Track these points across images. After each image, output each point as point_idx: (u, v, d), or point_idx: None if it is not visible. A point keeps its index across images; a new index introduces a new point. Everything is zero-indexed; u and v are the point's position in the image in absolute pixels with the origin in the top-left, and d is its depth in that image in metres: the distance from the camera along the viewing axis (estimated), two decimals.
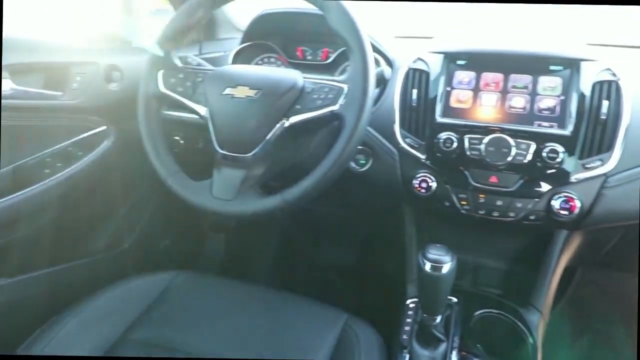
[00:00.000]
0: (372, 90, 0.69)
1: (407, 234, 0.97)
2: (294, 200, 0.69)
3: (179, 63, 0.81)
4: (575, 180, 0.76)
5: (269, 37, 1.09)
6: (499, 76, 0.82)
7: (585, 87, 0.77)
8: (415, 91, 0.85)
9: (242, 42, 1.09)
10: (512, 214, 0.79)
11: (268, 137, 0.71)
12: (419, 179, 0.83)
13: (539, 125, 0.79)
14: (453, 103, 0.84)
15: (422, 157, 0.84)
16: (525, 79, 0.81)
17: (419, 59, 0.87)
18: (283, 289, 0.85)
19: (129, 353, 0.71)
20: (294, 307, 0.81)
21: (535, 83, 0.80)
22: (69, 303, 0.78)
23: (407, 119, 0.85)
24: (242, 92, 0.72)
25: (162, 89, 0.79)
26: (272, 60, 1.10)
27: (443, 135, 0.80)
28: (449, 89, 0.84)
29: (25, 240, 0.91)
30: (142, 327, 0.75)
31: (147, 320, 0.77)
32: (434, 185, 0.82)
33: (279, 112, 0.71)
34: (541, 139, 0.76)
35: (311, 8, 0.75)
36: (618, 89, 0.76)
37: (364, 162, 0.89)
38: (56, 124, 0.92)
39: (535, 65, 0.81)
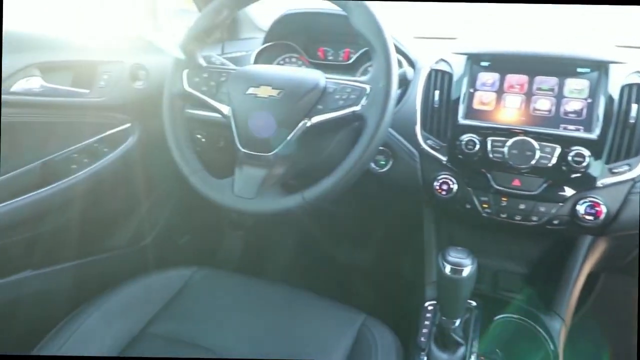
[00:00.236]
0: (395, 92, 0.69)
1: (426, 235, 0.96)
2: (315, 200, 0.70)
3: (203, 63, 0.83)
4: (601, 185, 0.75)
5: (291, 37, 1.09)
6: (524, 78, 0.81)
7: (614, 90, 0.75)
8: (437, 92, 0.84)
9: (264, 42, 1.10)
10: (535, 218, 0.78)
11: (290, 136, 0.72)
12: (440, 181, 0.83)
13: (565, 129, 0.77)
14: (476, 105, 0.83)
15: (444, 159, 0.83)
16: (551, 81, 0.80)
17: (442, 59, 0.87)
18: (300, 287, 0.85)
19: (149, 346, 0.72)
20: (312, 306, 0.81)
21: (561, 85, 0.79)
22: (92, 296, 0.79)
23: (428, 121, 0.85)
24: (265, 91, 0.73)
25: (187, 88, 0.80)
26: (294, 60, 1.11)
27: (465, 137, 0.79)
28: (472, 90, 0.83)
29: (51, 234, 0.94)
30: (162, 321, 0.76)
31: (167, 314, 0.78)
32: (455, 187, 0.82)
33: (300, 112, 0.71)
34: (567, 142, 0.75)
35: (333, 8, 0.75)
36: None
37: (384, 163, 0.89)
38: (83, 121, 0.95)
39: (562, 67, 0.80)
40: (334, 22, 1.05)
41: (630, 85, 0.75)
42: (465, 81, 0.83)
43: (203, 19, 0.81)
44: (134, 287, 0.82)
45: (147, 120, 1.03)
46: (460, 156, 0.81)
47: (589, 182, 0.75)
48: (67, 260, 1.00)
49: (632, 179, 0.74)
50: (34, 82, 0.84)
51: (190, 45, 0.81)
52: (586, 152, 0.73)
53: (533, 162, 0.75)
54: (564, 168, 0.75)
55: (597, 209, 0.74)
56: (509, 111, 0.81)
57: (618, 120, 0.74)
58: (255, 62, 1.08)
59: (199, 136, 1.04)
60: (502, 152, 0.77)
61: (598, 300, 1.07)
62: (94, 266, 1.06)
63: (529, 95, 0.81)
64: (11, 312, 0.90)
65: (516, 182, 0.78)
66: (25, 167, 0.87)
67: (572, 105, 0.78)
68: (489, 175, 0.80)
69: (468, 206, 0.82)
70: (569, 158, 0.74)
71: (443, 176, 0.83)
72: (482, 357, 0.77)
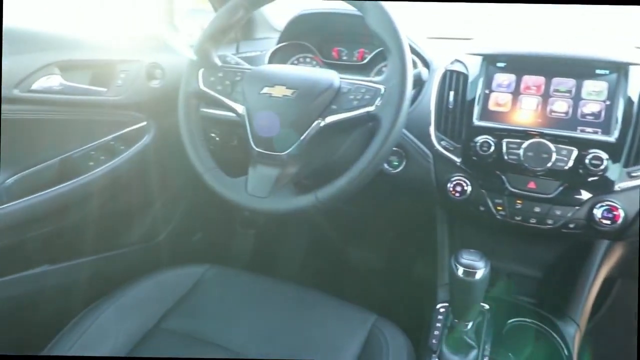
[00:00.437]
0: (410, 92, 0.68)
1: (439, 237, 0.96)
2: (328, 200, 0.70)
3: (218, 62, 0.83)
4: (619, 189, 0.73)
5: (305, 37, 1.10)
6: (541, 79, 0.80)
7: (633, 92, 0.74)
8: (452, 93, 0.84)
9: (279, 42, 1.11)
10: (550, 222, 0.77)
11: (303, 136, 0.72)
12: (454, 183, 0.82)
13: (582, 131, 0.76)
14: (491, 106, 0.82)
15: (458, 160, 0.82)
16: (568, 82, 0.79)
17: (457, 60, 0.86)
18: (311, 287, 0.86)
19: (162, 341, 0.73)
20: (323, 306, 0.81)
21: (579, 87, 0.78)
22: (107, 290, 0.80)
23: (442, 122, 0.84)
24: (280, 91, 0.73)
25: (202, 87, 0.80)
26: (308, 60, 1.11)
27: (480, 138, 0.79)
28: (487, 91, 0.83)
29: (68, 229, 0.96)
30: (175, 317, 0.77)
31: (180, 310, 0.79)
32: (468, 189, 0.81)
33: (315, 111, 0.72)
34: (584, 145, 0.74)
35: (348, 9, 0.75)
36: None
37: (397, 163, 0.88)
38: (100, 118, 0.96)
39: (581, 68, 0.78)
40: (348, 22, 1.05)
41: None
42: (480, 82, 0.83)
43: (218, 19, 0.81)
44: (148, 283, 0.83)
45: (162, 118, 1.04)
46: (474, 158, 0.80)
47: (607, 186, 0.74)
48: (84, 256, 1.02)
49: None
50: (53, 81, 0.86)
51: (206, 45, 0.82)
52: (604, 155, 0.72)
53: (549, 164, 0.75)
54: (580, 171, 0.74)
55: (614, 213, 0.73)
56: (525, 113, 0.80)
57: (637, 122, 0.73)
58: (270, 61, 1.08)
59: (213, 135, 1.05)
60: (518, 154, 0.76)
61: (614, 306, 1.05)
62: (108, 262, 1.08)
63: (545, 96, 0.80)
64: (30, 304, 0.92)
65: (531, 185, 0.77)
66: (45, 164, 0.89)
67: (590, 107, 0.77)
68: (503, 177, 0.79)
69: (482, 208, 0.81)
70: (586, 161, 0.73)
71: (457, 178, 0.82)
72: None
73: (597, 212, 0.74)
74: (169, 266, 0.88)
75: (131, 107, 1.00)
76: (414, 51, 0.91)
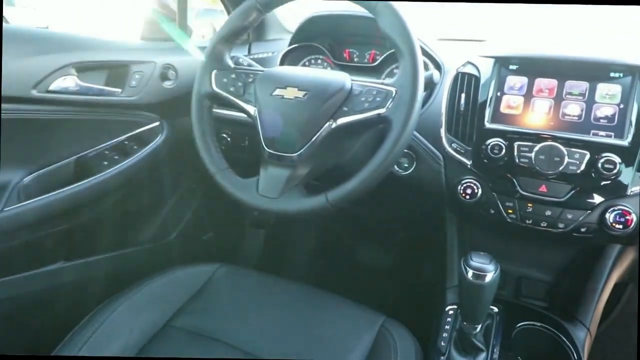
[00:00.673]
0: (421, 95, 0.68)
1: (448, 239, 0.95)
2: (338, 201, 0.70)
3: (231, 64, 0.84)
4: (632, 193, 0.73)
5: (317, 38, 1.10)
6: (553, 82, 0.80)
7: None
8: (463, 95, 0.83)
9: (291, 44, 1.11)
10: (561, 225, 0.77)
11: (314, 138, 0.72)
12: (464, 185, 0.82)
13: (595, 135, 0.76)
14: (503, 109, 0.82)
15: (468, 162, 0.82)
16: (582, 85, 0.78)
17: (469, 62, 0.86)
18: (320, 287, 0.86)
19: (173, 339, 0.74)
20: (332, 306, 0.82)
21: (592, 90, 0.77)
22: (120, 287, 0.82)
23: (454, 124, 0.84)
24: (291, 93, 0.74)
25: (215, 88, 0.81)
26: (319, 61, 1.12)
27: (491, 141, 0.78)
28: (499, 94, 0.82)
29: (82, 227, 0.97)
30: (186, 315, 0.78)
31: (191, 309, 0.80)
32: (479, 192, 0.81)
33: (326, 113, 0.72)
34: (597, 148, 0.73)
35: (360, 11, 0.75)
36: None
37: (407, 165, 0.88)
38: (114, 119, 0.98)
39: (594, 71, 0.78)
40: (360, 24, 1.05)
41: None
42: (492, 84, 0.82)
43: (232, 22, 0.82)
44: (159, 281, 0.84)
45: (175, 119, 1.06)
46: (485, 160, 0.80)
47: (619, 190, 0.73)
48: (96, 254, 1.04)
49: None
50: (70, 81, 0.87)
51: (219, 47, 0.83)
52: (617, 159, 0.71)
53: (561, 168, 0.74)
54: (593, 175, 0.73)
55: (627, 217, 0.72)
56: (537, 116, 0.80)
57: None
58: (282, 63, 1.09)
59: (224, 135, 1.07)
60: (529, 158, 0.76)
61: (625, 311, 1.04)
62: (121, 260, 1.10)
63: (558, 99, 0.79)
64: (44, 301, 0.94)
65: (543, 188, 0.77)
66: (60, 163, 0.91)
67: (604, 110, 0.76)
68: (514, 181, 0.79)
69: (492, 211, 0.81)
70: (599, 165, 0.72)
71: (467, 180, 0.82)
72: None
73: (609, 217, 0.73)
74: (180, 265, 0.89)
75: (145, 107, 1.01)
76: (425, 53, 0.91)
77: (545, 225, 0.78)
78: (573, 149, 0.74)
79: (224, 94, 0.81)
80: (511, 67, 0.83)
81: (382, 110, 0.69)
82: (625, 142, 0.73)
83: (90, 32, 0.98)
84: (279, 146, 0.74)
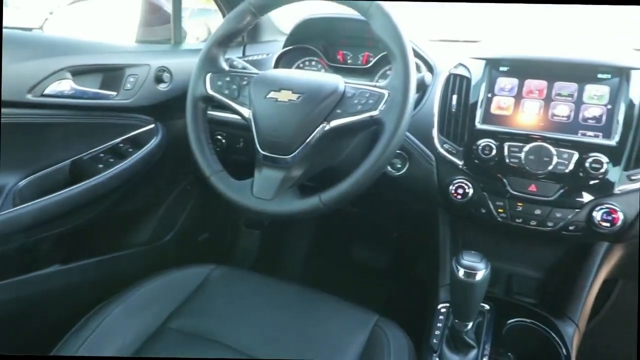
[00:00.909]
0: (413, 97, 0.69)
1: (441, 239, 0.97)
2: (332, 202, 0.71)
3: (225, 66, 0.85)
4: (619, 192, 0.74)
5: (311, 40, 1.11)
6: (543, 83, 0.81)
7: (635, 96, 0.75)
8: (455, 97, 0.84)
9: (285, 46, 1.12)
10: (550, 224, 0.78)
11: (308, 140, 0.73)
12: (456, 185, 0.83)
13: (583, 135, 0.77)
14: (494, 110, 0.83)
15: (460, 163, 0.83)
16: (570, 87, 0.79)
17: (460, 64, 0.87)
18: (314, 287, 0.87)
19: (169, 341, 0.74)
20: (326, 306, 0.82)
21: (581, 91, 0.79)
22: (115, 290, 0.82)
23: (445, 125, 0.85)
24: (285, 96, 0.75)
25: (209, 91, 0.82)
26: (313, 63, 1.12)
27: (482, 142, 0.80)
28: (490, 95, 0.84)
29: (78, 230, 0.97)
30: (181, 316, 0.79)
31: (186, 310, 0.80)
32: (470, 191, 0.82)
33: (319, 115, 0.73)
34: (585, 148, 0.75)
35: (354, 14, 0.76)
36: None
37: (400, 166, 0.90)
38: (109, 122, 0.98)
39: (583, 73, 0.79)
40: (353, 26, 1.06)
41: None
42: (483, 86, 0.84)
43: (226, 25, 0.83)
44: (155, 283, 0.85)
45: (170, 121, 1.06)
46: (476, 161, 0.81)
47: (607, 189, 0.74)
48: (92, 256, 1.04)
49: None
50: (65, 85, 0.88)
51: (214, 50, 0.83)
52: (604, 159, 0.73)
53: (550, 167, 0.75)
54: (581, 174, 0.75)
55: (614, 215, 0.74)
56: (527, 116, 0.81)
57: (638, 126, 0.74)
58: (276, 65, 1.09)
59: (219, 137, 1.07)
60: (519, 158, 0.77)
61: (615, 307, 1.06)
62: (116, 262, 1.10)
63: (547, 100, 0.80)
64: (40, 304, 0.94)
65: (532, 188, 0.78)
66: (56, 166, 0.91)
67: (592, 111, 0.78)
68: (505, 180, 0.80)
69: (483, 210, 0.82)
70: (587, 164, 0.73)
71: (459, 180, 0.83)
72: None
73: (597, 215, 0.75)
74: (176, 266, 0.89)
75: (140, 110, 1.02)
76: (417, 55, 0.92)
77: (534, 224, 0.79)
78: (562, 149, 0.75)
79: (219, 96, 0.81)
80: (502, 68, 0.84)
81: (374, 113, 0.70)
82: (612, 142, 0.74)
83: (85, 35, 0.98)
84: (273, 148, 0.75)
